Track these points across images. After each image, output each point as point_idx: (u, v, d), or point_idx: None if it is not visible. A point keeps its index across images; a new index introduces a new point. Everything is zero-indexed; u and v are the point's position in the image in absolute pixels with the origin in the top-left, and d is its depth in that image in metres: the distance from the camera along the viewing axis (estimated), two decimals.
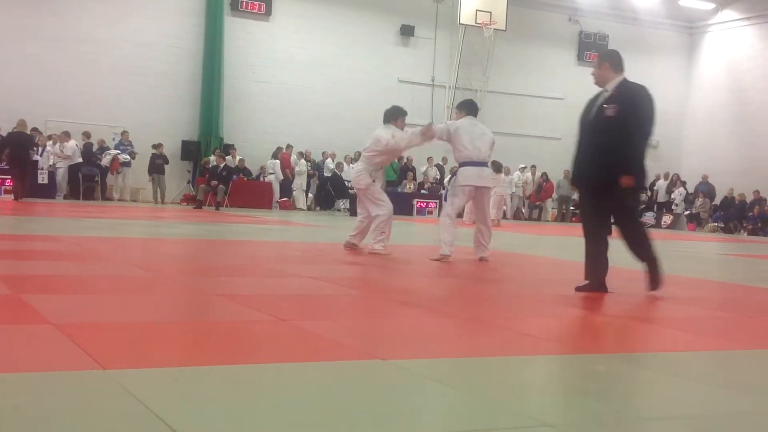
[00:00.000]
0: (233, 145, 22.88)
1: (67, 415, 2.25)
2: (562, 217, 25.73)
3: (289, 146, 23.17)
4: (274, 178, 22.72)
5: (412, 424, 2.39)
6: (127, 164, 21.27)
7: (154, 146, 21.52)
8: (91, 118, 21.48)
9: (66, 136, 20.21)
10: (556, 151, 26.21)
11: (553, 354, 3.57)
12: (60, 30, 21.42)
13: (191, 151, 22.75)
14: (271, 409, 2.42)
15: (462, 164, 8.16)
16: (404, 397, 2.71)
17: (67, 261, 6.27)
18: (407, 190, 24.07)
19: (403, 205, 23.40)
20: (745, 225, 24.67)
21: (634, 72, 27.20)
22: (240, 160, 22.39)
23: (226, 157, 21.90)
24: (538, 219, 25.74)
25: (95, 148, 21.09)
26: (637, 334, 4.28)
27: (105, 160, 20.90)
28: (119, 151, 21.18)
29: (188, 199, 21.81)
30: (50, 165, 20.20)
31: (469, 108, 8.46)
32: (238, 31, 23.45)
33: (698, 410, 2.73)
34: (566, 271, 8.43)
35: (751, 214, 24.78)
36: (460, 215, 10.16)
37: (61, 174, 20.39)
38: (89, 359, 2.88)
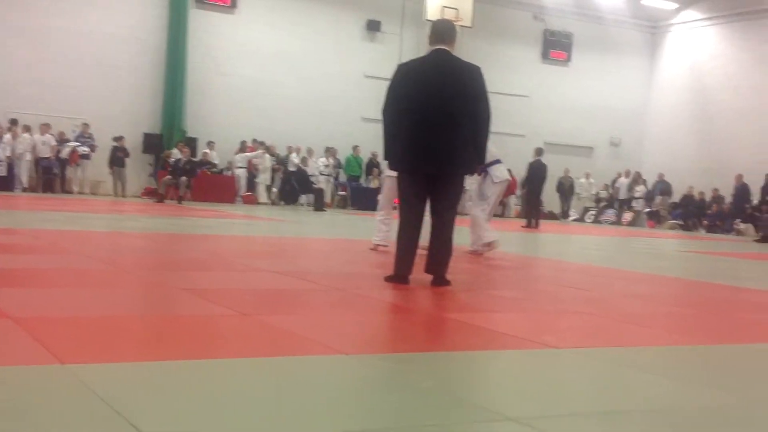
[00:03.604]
0: (211, 141, 22.78)
1: (25, 410, 2.20)
2: (526, 214, 25.89)
3: (254, 140, 23.01)
4: (243, 172, 22.52)
5: (376, 418, 2.38)
6: (86, 156, 20.99)
7: (116, 139, 21.26)
8: (51, 109, 21.14)
9: (46, 127, 20.30)
10: (521, 148, 26.34)
11: (518, 349, 3.58)
12: (20, 21, 21.02)
13: (153, 144, 22.49)
14: (234, 404, 2.39)
15: (492, 163, 8.57)
16: (368, 391, 2.70)
17: (26, 254, 6.17)
18: (372, 185, 24.05)
19: (368, 201, 23.38)
20: (703, 222, 25.05)
21: (597, 70, 27.64)
22: (204, 153, 22.20)
23: (209, 152, 21.88)
24: (502, 215, 25.88)
25: (55, 140, 20.85)
26: (596, 328, 4.32)
27: (64, 152, 20.64)
28: (78, 143, 20.91)
29: (149, 193, 21.59)
30: (8, 156, 19.95)
31: None
32: (203, 23, 23.22)
33: (660, 404, 2.75)
34: (539, 267, 8.49)
35: (709, 212, 25.16)
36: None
37: (25, 166, 20.25)
38: (48, 353, 2.83)
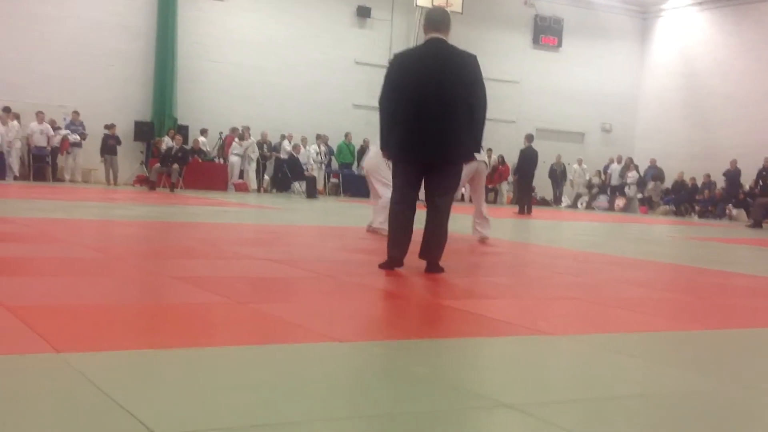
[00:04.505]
0: (204, 128, 22.82)
1: (20, 399, 2.21)
2: (518, 201, 25.91)
3: (245, 127, 22.92)
4: (237, 160, 22.39)
5: (370, 405, 2.39)
6: (77, 145, 20.91)
7: (107, 127, 21.16)
8: (41, 97, 21.04)
9: (41, 116, 20.25)
10: (512, 134, 26.39)
11: (509, 335, 3.60)
12: (9, 7, 20.88)
13: (144, 132, 22.42)
14: (229, 392, 2.40)
15: None
16: (363, 378, 2.72)
17: (18, 243, 6.15)
18: (364, 172, 24.02)
19: (360, 188, 23.37)
20: (696, 208, 25.13)
21: (588, 55, 27.61)
22: (195, 141, 22.15)
23: (203, 140, 21.85)
24: (494, 202, 25.90)
25: (52, 128, 20.78)
26: (588, 314, 4.34)
27: (55, 141, 20.56)
28: (69, 132, 20.83)
29: (141, 181, 21.53)
30: None
31: None
32: (192, 9, 23.10)
33: (653, 390, 2.77)
34: (531, 254, 8.50)
35: (701, 197, 25.24)
36: None
37: (16, 154, 20.16)
38: (42, 342, 2.83)
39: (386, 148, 5.60)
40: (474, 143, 5.52)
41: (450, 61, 5.44)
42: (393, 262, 5.50)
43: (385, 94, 5.49)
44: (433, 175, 5.49)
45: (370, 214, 9.24)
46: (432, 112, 5.33)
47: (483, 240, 8.70)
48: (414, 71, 5.43)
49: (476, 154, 8.64)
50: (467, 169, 8.53)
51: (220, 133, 22.96)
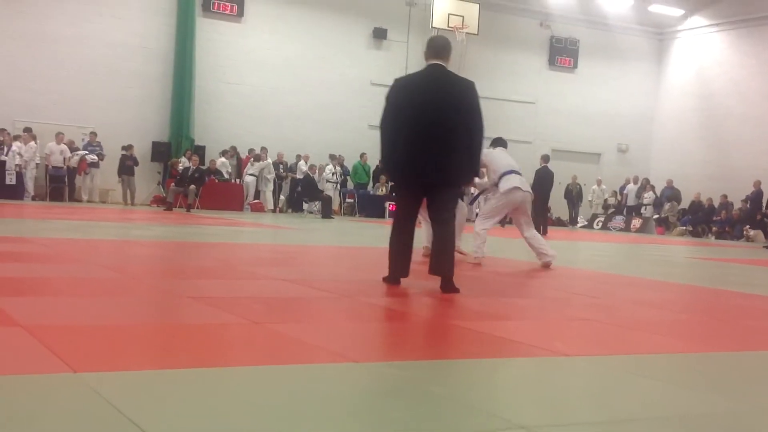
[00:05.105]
0: (225, 150, 23.04)
1: (38, 418, 2.22)
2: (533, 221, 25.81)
3: (263, 148, 23.02)
4: (252, 180, 22.53)
5: (386, 426, 2.39)
6: (94, 165, 21.08)
7: (124, 147, 21.32)
8: (59, 118, 21.24)
9: (61, 137, 20.46)
10: (527, 155, 26.33)
11: (525, 356, 3.59)
12: (28, 29, 21.15)
13: (161, 153, 22.57)
14: (245, 412, 2.40)
15: (504, 174, 8.67)
16: (378, 399, 2.71)
17: (36, 263, 6.20)
18: (379, 192, 24.07)
19: (375, 208, 23.40)
20: (712, 229, 24.95)
21: (604, 76, 27.61)
22: (211, 161, 22.27)
23: (224, 161, 22.04)
24: (509, 222, 25.81)
25: (70, 149, 20.97)
26: (605, 335, 4.32)
27: (72, 161, 20.73)
28: (86, 152, 21.00)
29: (158, 201, 21.64)
30: (16, 165, 19.98)
31: (500, 143, 9.41)
32: (210, 32, 23.31)
33: (670, 412, 2.75)
34: (547, 276, 8.47)
35: (718, 218, 25.06)
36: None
37: (31, 174, 20.31)
38: (60, 362, 2.85)
39: (386, 170, 5.73)
40: (471, 167, 5.69)
41: (449, 86, 5.64)
42: (394, 279, 5.74)
43: (386, 117, 5.68)
44: (434, 195, 5.67)
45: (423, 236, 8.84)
46: (432, 135, 5.49)
47: (546, 265, 8.59)
48: (415, 95, 5.60)
49: (510, 182, 8.59)
50: (508, 198, 8.61)
51: (225, 151, 23.14)
